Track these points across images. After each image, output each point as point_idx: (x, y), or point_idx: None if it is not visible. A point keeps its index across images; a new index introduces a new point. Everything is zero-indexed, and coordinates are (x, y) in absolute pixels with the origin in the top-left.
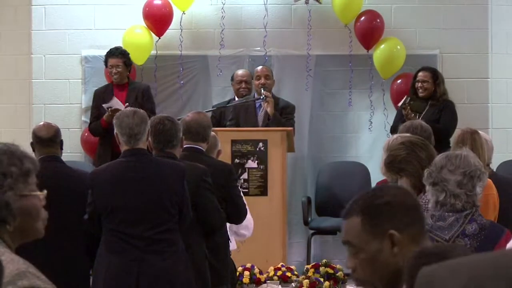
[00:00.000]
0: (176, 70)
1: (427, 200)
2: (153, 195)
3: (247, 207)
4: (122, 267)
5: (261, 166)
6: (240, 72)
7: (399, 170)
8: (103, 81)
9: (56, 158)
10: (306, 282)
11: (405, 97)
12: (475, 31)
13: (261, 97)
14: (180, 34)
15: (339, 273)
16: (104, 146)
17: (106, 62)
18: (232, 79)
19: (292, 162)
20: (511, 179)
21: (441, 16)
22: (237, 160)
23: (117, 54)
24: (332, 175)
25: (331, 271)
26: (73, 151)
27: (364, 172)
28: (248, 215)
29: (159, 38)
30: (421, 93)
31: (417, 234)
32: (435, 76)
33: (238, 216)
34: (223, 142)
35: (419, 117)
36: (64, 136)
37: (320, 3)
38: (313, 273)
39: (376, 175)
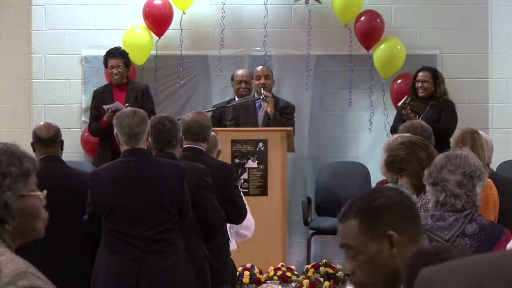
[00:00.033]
0: (176, 70)
1: (427, 200)
2: (153, 195)
3: (247, 207)
4: (122, 267)
5: (261, 166)
6: (240, 72)
7: (399, 170)
8: (103, 81)
9: (57, 158)
10: (306, 282)
11: (405, 97)
12: (475, 31)
13: (261, 97)
14: (180, 34)
15: (339, 273)
16: (104, 146)
17: (106, 62)
18: (232, 79)
19: (292, 162)
20: (511, 179)
21: (441, 16)
22: (237, 160)
23: (117, 54)
24: (332, 175)
25: (331, 271)
26: (73, 151)
27: (364, 172)
28: (249, 216)
29: (159, 38)
30: (421, 93)
31: (414, 235)
32: (435, 76)
33: (238, 216)
34: (223, 142)
35: (419, 117)
36: (64, 136)
37: (320, 3)
38: (313, 273)
39: (376, 175)
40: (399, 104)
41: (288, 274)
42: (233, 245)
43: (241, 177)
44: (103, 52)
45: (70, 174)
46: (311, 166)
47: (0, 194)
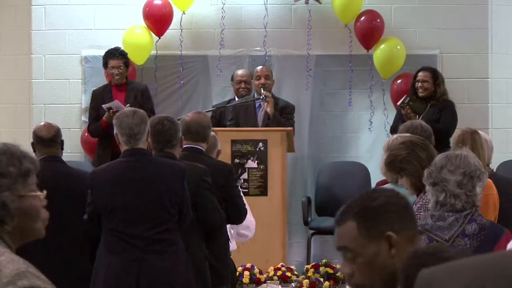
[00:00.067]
0: (176, 70)
1: (427, 200)
2: (153, 195)
3: (248, 208)
4: (122, 267)
5: (261, 166)
6: (240, 72)
7: (399, 170)
8: (103, 81)
9: (57, 158)
10: (306, 282)
11: (404, 96)
12: (475, 31)
13: (261, 97)
14: (180, 34)
15: (339, 273)
16: (104, 146)
17: (106, 63)
18: (232, 79)
19: (292, 162)
20: (511, 179)
21: (441, 16)
22: (237, 160)
23: (118, 55)
24: (332, 175)
25: (331, 271)
26: (73, 151)
27: (364, 172)
28: (250, 216)
29: (159, 38)
30: (421, 93)
31: (412, 235)
32: (435, 76)
33: (238, 216)
34: (223, 142)
35: (419, 117)
36: (64, 136)
37: (320, 3)
38: (313, 273)
39: (376, 175)
40: (398, 103)
41: (288, 274)
42: (233, 245)
43: (241, 177)
44: (103, 52)
45: (70, 174)
46: (311, 166)
47: None
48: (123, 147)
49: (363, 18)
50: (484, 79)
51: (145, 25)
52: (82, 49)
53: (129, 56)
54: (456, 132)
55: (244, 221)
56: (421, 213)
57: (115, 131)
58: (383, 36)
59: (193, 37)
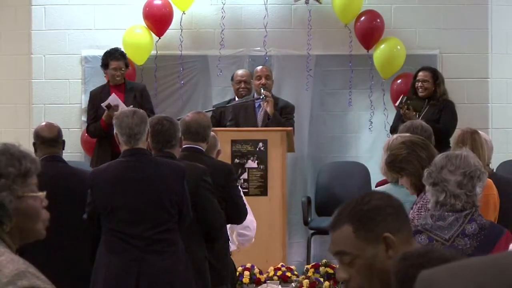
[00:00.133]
0: (176, 70)
1: (427, 200)
2: (153, 195)
3: (249, 208)
4: (122, 267)
5: (261, 166)
6: (240, 72)
7: (399, 170)
8: (103, 81)
9: (58, 158)
10: (306, 282)
11: (401, 96)
12: (475, 31)
13: (261, 97)
14: (180, 34)
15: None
16: (104, 146)
17: (106, 64)
18: (232, 79)
19: (292, 162)
20: (511, 179)
21: (441, 16)
22: (237, 160)
23: (119, 56)
24: (332, 175)
25: (331, 271)
26: (73, 151)
27: (364, 172)
28: (250, 216)
29: (159, 38)
30: (421, 93)
31: (407, 236)
32: (435, 76)
33: (238, 216)
34: (223, 142)
35: (418, 117)
36: (64, 136)
37: (320, 3)
38: (313, 273)
39: (376, 175)
40: (396, 104)
41: (288, 274)
42: (233, 246)
43: (241, 177)
44: (103, 52)
45: (72, 174)
46: (311, 166)
47: None
48: (123, 147)
49: (363, 18)
50: (484, 79)
51: (145, 25)
52: (82, 49)
53: (129, 56)
54: (456, 132)
55: (244, 221)
56: (422, 213)
57: (115, 131)
58: (383, 36)
59: (193, 37)
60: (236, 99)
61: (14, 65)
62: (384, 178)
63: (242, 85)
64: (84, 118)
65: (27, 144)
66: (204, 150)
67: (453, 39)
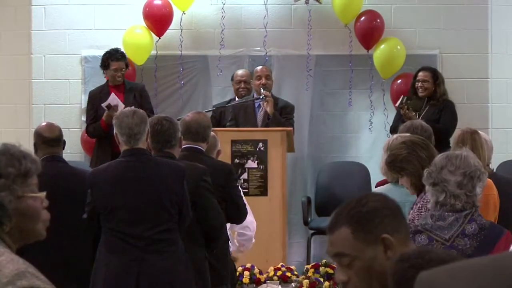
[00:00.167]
0: (176, 70)
1: (427, 200)
2: (153, 195)
3: (249, 209)
4: (122, 267)
5: (261, 166)
6: (239, 72)
7: (400, 170)
8: (103, 81)
9: (59, 158)
10: (306, 282)
11: (402, 97)
12: (475, 31)
13: (261, 97)
14: (180, 34)
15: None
16: (104, 147)
17: (107, 65)
18: (232, 79)
19: (292, 162)
20: (511, 179)
21: (441, 16)
22: (237, 160)
23: (120, 57)
24: (332, 175)
25: (331, 271)
26: (73, 151)
27: (364, 172)
28: (250, 217)
29: (159, 38)
30: (421, 93)
31: (404, 237)
32: (435, 76)
33: (238, 216)
34: (223, 142)
35: (418, 117)
36: (64, 136)
37: (320, 3)
38: (313, 273)
39: (376, 175)
40: (396, 104)
41: (288, 274)
42: (233, 246)
43: (241, 177)
44: (103, 52)
45: (72, 174)
46: (311, 166)
47: None
48: (123, 147)
49: (363, 18)
50: (484, 79)
51: (145, 25)
52: (82, 49)
53: (129, 56)
54: (456, 132)
55: (244, 221)
56: (422, 213)
57: (114, 131)
58: (383, 36)
59: (193, 37)
60: (236, 99)
61: (14, 65)
62: (384, 178)
63: (242, 85)
64: (84, 118)
65: (27, 144)
66: (204, 150)
67: (453, 39)
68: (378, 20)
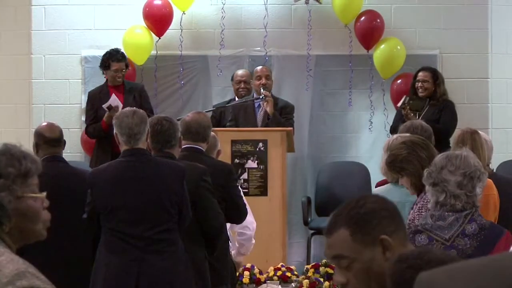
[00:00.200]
0: (176, 70)
1: (427, 200)
2: (153, 195)
3: (249, 209)
4: (122, 267)
5: (261, 166)
6: (239, 72)
7: (400, 170)
8: (103, 82)
9: (59, 158)
10: (306, 282)
11: (404, 97)
12: (475, 31)
13: (261, 97)
14: (180, 34)
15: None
16: (104, 147)
17: (107, 65)
18: (232, 79)
19: (292, 162)
20: (511, 179)
21: (441, 16)
22: (237, 160)
23: (120, 57)
24: (332, 175)
25: (331, 271)
26: (73, 151)
27: (364, 172)
28: (250, 218)
29: (159, 38)
30: (421, 93)
31: (402, 238)
32: (435, 76)
33: (238, 216)
34: (223, 142)
35: (418, 117)
36: (64, 136)
37: (320, 3)
38: (313, 273)
39: (376, 175)
40: (399, 104)
41: (288, 274)
42: (233, 247)
43: (241, 177)
44: (103, 52)
45: (72, 174)
46: (311, 166)
47: None
48: (123, 147)
49: (363, 18)
50: (484, 79)
51: (145, 25)
52: (82, 49)
53: (129, 56)
54: (456, 132)
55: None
56: (422, 213)
57: (114, 131)
58: (383, 36)
59: (193, 37)
60: (236, 99)
61: (14, 65)
62: (384, 178)
63: (242, 85)
64: (84, 118)
65: (27, 144)
66: (204, 150)
67: (453, 39)
68: (378, 20)
